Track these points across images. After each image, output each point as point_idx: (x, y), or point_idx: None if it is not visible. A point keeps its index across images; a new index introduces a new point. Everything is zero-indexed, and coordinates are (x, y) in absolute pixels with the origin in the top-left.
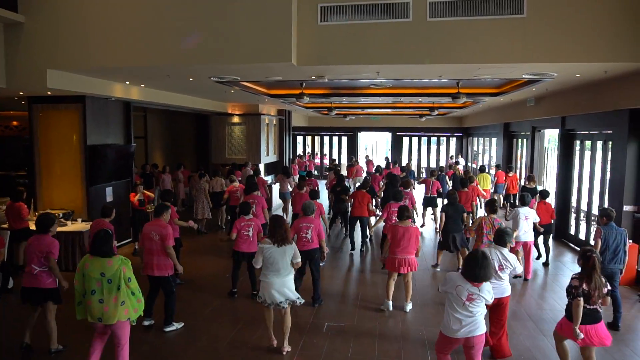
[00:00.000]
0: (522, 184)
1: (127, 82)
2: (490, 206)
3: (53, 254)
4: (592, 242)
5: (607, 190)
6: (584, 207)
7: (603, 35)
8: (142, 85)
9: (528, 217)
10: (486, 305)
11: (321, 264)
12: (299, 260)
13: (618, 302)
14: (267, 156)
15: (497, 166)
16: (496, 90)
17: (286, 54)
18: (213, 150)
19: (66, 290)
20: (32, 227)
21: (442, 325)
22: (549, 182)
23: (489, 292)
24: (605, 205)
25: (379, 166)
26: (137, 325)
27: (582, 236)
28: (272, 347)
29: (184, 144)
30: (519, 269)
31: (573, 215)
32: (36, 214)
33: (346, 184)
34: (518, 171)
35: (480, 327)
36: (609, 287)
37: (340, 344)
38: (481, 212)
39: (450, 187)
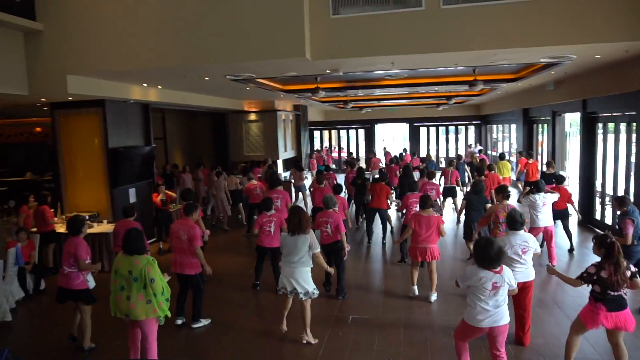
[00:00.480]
0: (542, 170)
1: (145, 84)
2: (503, 193)
3: (80, 256)
4: (628, 233)
5: (632, 173)
6: (609, 191)
7: (622, 13)
8: (160, 87)
9: (545, 202)
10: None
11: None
12: (317, 250)
13: None
14: (285, 152)
15: (520, 153)
16: (514, 76)
17: (300, 48)
18: (231, 148)
19: (98, 289)
20: (59, 229)
21: (465, 315)
22: (572, 167)
23: (511, 277)
24: (632, 189)
25: (395, 157)
26: (168, 323)
27: (608, 221)
28: (282, 333)
29: (202, 143)
30: (538, 249)
31: (598, 200)
32: (63, 217)
33: (366, 176)
34: (539, 157)
35: (505, 317)
36: (633, 269)
37: (365, 336)
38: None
39: (470, 176)
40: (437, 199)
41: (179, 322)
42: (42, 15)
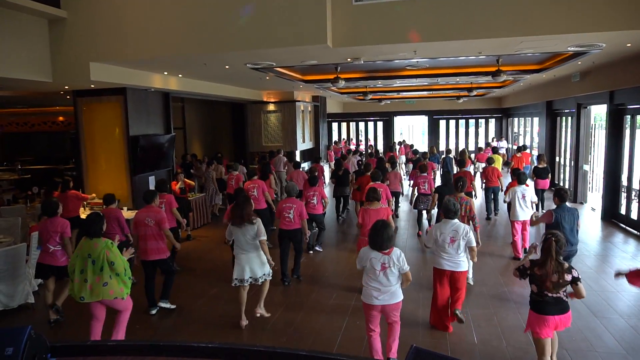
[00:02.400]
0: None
1: (166, 73)
2: (457, 183)
3: (67, 233)
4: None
5: None
6: (635, 185)
7: None
8: (180, 75)
9: (525, 194)
10: (450, 279)
11: (310, 251)
12: (263, 237)
13: None
14: (303, 143)
15: (524, 147)
16: (538, 67)
17: (321, 35)
18: (250, 139)
19: None
20: (82, 215)
21: (362, 294)
22: (597, 161)
23: (399, 257)
24: None
25: (371, 151)
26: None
27: (633, 216)
28: (240, 326)
29: (221, 133)
30: (472, 243)
31: (623, 195)
32: (85, 203)
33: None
34: (562, 150)
35: (396, 296)
36: (575, 275)
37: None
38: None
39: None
40: (430, 194)
41: (153, 311)
42: (66, 3)
